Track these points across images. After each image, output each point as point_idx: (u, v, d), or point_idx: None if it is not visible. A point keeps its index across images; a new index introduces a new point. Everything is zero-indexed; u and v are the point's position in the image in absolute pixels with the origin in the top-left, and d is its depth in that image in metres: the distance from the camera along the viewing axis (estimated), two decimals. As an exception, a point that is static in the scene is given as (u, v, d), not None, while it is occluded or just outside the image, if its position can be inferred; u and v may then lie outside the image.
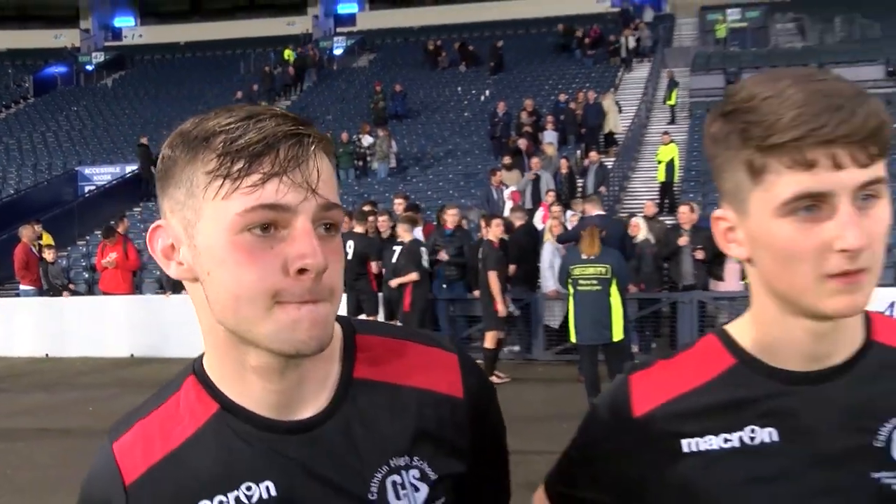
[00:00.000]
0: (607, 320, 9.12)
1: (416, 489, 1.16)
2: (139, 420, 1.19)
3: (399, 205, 14.29)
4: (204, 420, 1.15)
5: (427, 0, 43.16)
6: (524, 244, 12.72)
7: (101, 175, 26.08)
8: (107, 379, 12.41)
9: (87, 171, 26.63)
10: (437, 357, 1.25)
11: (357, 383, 1.18)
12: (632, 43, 29.73)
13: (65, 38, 43.76)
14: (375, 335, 1.24)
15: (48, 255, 15.67)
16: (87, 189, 25.38)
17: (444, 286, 12.96)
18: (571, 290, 9.36)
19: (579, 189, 18.39)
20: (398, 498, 1.15)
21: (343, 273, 1.11)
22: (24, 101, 36.22)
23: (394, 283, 11.50)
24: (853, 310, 1.10)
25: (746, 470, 1.18)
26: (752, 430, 1.19)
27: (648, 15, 35.19)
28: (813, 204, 1.07)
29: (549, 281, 12.09)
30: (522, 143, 20.27)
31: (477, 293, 11.56)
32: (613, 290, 9.18)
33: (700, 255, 11.72)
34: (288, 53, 34.85)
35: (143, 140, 24.26)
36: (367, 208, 13.42)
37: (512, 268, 12.19)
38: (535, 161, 18.28)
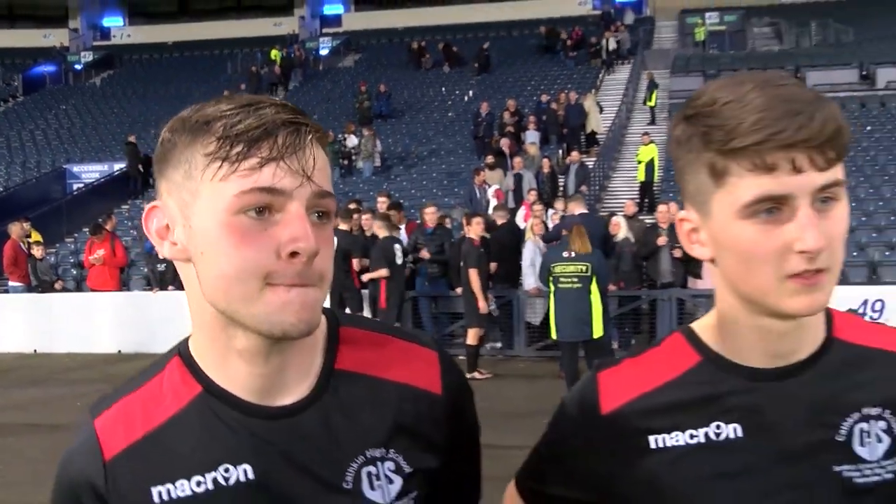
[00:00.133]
0: (587, 317, 9.28)
1: (391, 481, 1.18)
2: (122, 398, 1.20)
3: (382, 203, 14.43)
4: (186, 401, 1.16)
5: (412, 1, 43.38)
6: (506, 242, 12.87)
7: (89, 173, 26.16)
8: (95, 375, 12.30)
9: (76, 168, 26.71)
10: (418, 353, 1.26)
11: (339, 374, 1.19)
12: (612, 45, 30.00)
13: (54, 37, 43.72)
14: (359, 328, 1.26)
15: (37, 252, 15.71)
16: (75, 187, 25.46)
17: (427, 284, 13.15)
18: (552, 288, 9.52)
19: (561, 188, 18.62)
20: (372, 489, 1.16)
21: (332, 260, 1.13)
22: (13, 100, 36.25)
23: (364, 277, 11.70)
24: (813, 309, 1.12)
25: (712, 465, 1.20)
26: (718, 426, 1.21)
27: (629, 18, 35.42)
28: (773, 206, 1.09)
29: (530, 278, 12.22)
30: (505, 142, 20.50)
31: (459, 290, 11.70)
32: (594, 287, 9.36)
33: (678, 253, 11.84)
34: (274, 54, 34.97)
35: (131, 138, 24.31)
36: (352, 206, 13.56)
37: (493, 266, 12.35)
38: (517, 160, 18.52)
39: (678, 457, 1.21)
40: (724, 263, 1.17)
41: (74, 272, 18.44)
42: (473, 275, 11.08)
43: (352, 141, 23.44)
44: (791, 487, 1.17)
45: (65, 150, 29.02)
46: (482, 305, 11.17)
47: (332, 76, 34.83)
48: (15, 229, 15.80)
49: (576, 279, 9.37)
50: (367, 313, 12.16)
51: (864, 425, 1.19)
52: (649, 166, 19.30)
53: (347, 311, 11.92)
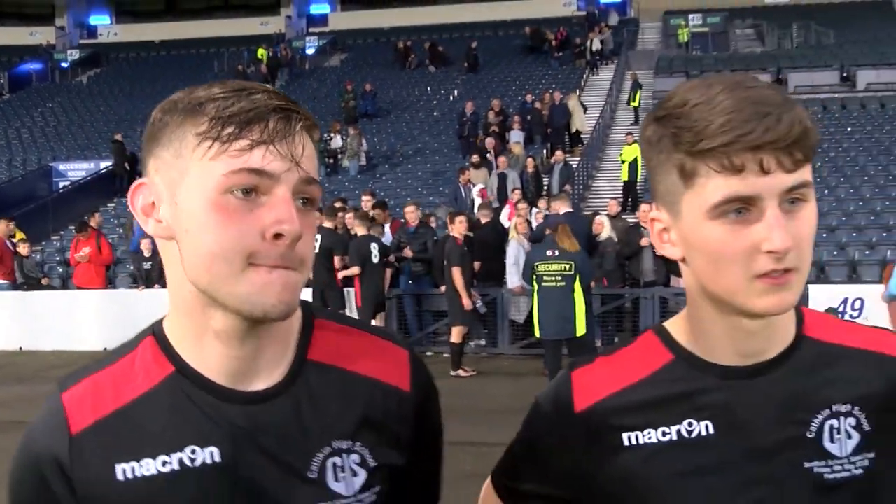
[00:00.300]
0: (571, 315, 9.33)
1: (355, 474, 1.18)
2: (92, 374, 1.19)
3: (367, 202, 14.43)
4: (158, 380, 1.16)
5: (398, 1, 43.40)
6: (490, 241, 12.94)
7: (75, 171, 26.04)
8: (81, 373, 12.32)
9: (62, 166, 26.58)
10: (390, 350, 1.27)
11: (310, 364, 1.20)
12: (597, 46, 30.10)
13: (40, 35, 43.44)
14: (333, 322, 1.27)
15: (23, 249, 15.65)
16: (61, 185, 25.36)
17: (410, 282, 13.21)
18: (536, 286, 9.57)
19: (545, 187, 18.70)
20: (337, 480, 1.17)
21: (313, 247, 1.14)
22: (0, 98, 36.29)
23: (340, 275, 11.75)
24: (781, 308, 1.14)
25: (684, 462, 1.21)
26: (690, 424, 1.22)
27: (613, 19, 35.46)
28: (742, 207, 1.10)
29: (514, 277, 12.24)
30: (490, 142, 20.56)
31: (443, 289, 11.73)
32: (577, 286, 9.40)
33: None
34: (261, 53, 34.98)
35: (118, 136, 24.22)
36: (337, 205, 13.56)
37: (476, 265, 12.41)
38: (501, 160, 18.60)
39: (651, 454, 1.22)
40: (693, 263, 1.18)
41: (60, 270, 18.40)
42: (456, 273, 11.15)
43: (336, 142, 23.47)
44: (762, 483, 1.19)
45: (51, 147, 28.87)
46: (466, 303, 11.21)
47: (318, 75, 34.81)
48: (0, 227, 15.72)
49: (559, 277, 9.40)
50: (349, 311, 12.23)
51: (833, 422, 1.21)
52: (633, 166, 19.31)
53: (329, 308, 12.04)
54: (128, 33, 44.47)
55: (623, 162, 19.85)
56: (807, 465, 1.20)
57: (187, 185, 1.09)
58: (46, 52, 41.50)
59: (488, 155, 19.73)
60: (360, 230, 11.76)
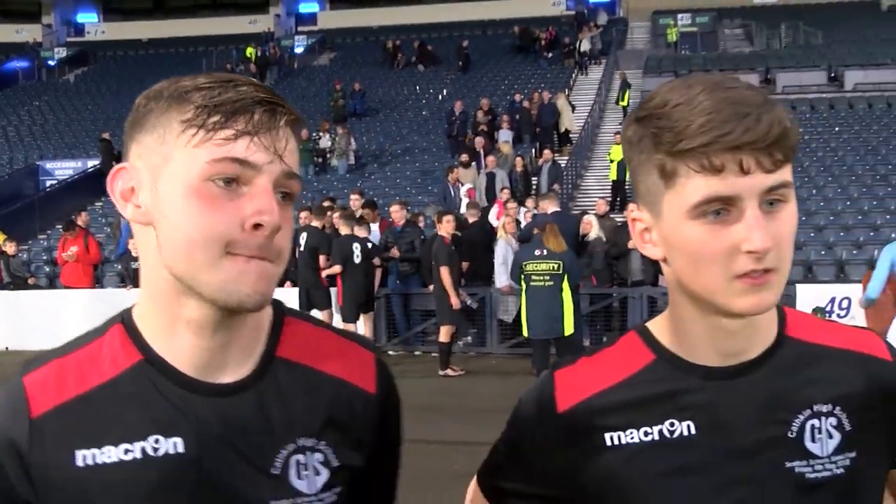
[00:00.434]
0: (559, 315, 9.41)
1: (318, 473, 1.19)
2: (56, 358, 1.18)
3: (355, 201, 14.39)
4: (124, 368, 1.16)
5: (386, 1, 43.40)
6: (478, 241, 12.96)
7: (62, 169, 25.95)
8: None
9: (49, 165, 26.50)
10: (357, 352, 1.28)
11: (279, 361, 1.21)
12: (586, 45, 30.18)
13: (26, 32, 43.26)
14: (302, 321, 1.28)
15: (9, 248, 15.62)
16: (48, 183, 25.27)
17: (398, 282, 13.24)
18: (524, 286, 9.64)
19: (533, 187, 18.77)
20: (299, 478, 1.17)
21: (290, 241, 1.15)
22: (-15, 95, 36.07)
23: (323, 273, 11.76)
24: (761, 308, 1.14)
25: (666, 462, 1.21)
26: (672, 424, 1.22)
27: (602, 18, 35.53)
28: (722, 207, 1.10)
29: (502, 276, 12.28)
30: (479, 141, 20.60)
31: (431, 288, 11.75)
32: (565, 285, 9.48)
33: (648, 251, 11.98)
34: (250, 51, 34.95)
35: (105, 135, 24.12)
36: (326, 204, 13.64)
37: (465, 265, 12.43)
38: (490, 159, 18.63)
39: (633, 454, 1.23)
40: (674, 263, 1.18)
41: (47, 269, 18.36)
42: (444, 272, 11.16)
43: (325, 141, 23.48)
44: (744, 483, 1.19)
45: (38, 146, 28.77)
46: (454, 301, 11.23)
47: (307, 74, 34.79)
48: (-15, 226, 15.63)
49: (547, 277, 9.46)
50: (334, 310, 12.21)
51: (815, 422, 1.22)
52: (621, 165, 19.28)
53: (314, 307, 12.01)
54: (115, 31, 44.33)
55: (612, 161, 19.92)
56: (788, 464, 1.21)
57: (169, 171, 1.10)
58: (33, 50, 41.35)
59: (478, 155, 19.73)
60: (343, 229, 11.77)
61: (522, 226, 13.58)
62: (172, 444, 1.13)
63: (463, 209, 14.87)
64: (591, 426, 1.26)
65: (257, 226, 1.07)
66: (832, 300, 12.39)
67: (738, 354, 1.23)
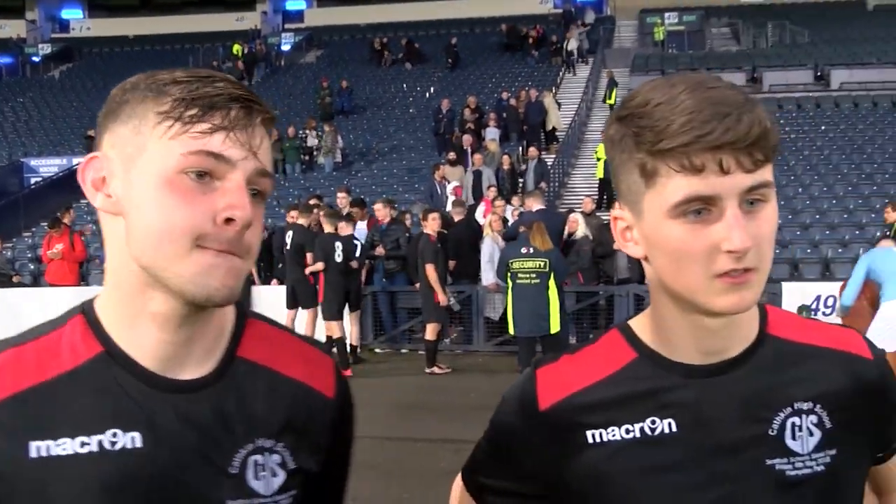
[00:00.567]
0: (545, 313, 9.37)
1: (275, 474, 1.19)
2: (13, 347, 1.16)
3: (342, 198, 14.46)
4: (84, 360, 1.14)
5: (374, -2, 43.40)
6: (464, 238, 12.95)
7: (47, 167, 25.79)
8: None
9: (33, 162, 26.37)
10: (316, 357, 1.29)
11: (240, 361, 1.21)
12: (573, 44, 30.25)
13: (10, 28, 43.06)
14: (264, 323, 1.28)
15: (-7, 246, 15.55)
16: (32, 181, 25.13)
17: (384, 280, 13.25)
18: (510, 284, 9.61)
19: (520, 184, 18.77)
20: (256, 478, 1.17)
21: (260, 238, 1.16)
22: (-32, 92, 35.83)
23: (307, 270, 11.75)
24: (741, 307, 1.14)
25: (647, 459, 1.22)
26: (653, 422, 1.23)
27: (590, 16, 35.64)
28: (702, 207, 1.11)
29: (489, 274, 12.29)
30: (466, 139, 20.64)
31: (418, 286, 11.75)
32: (551, 283, 9.44)
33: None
34: (237, 48, 34.87)
35: (91, 132, 23.71)
36: (312, 202, 13.63)
37: (451, 263, 12.44)
38: (477, 157, 18.66)
39: (615, 451, 1.24)
40: (655, 262, 1.19)
41: (32, 267, 18.25)
42: (430, 269, 11.16)
43: (311, 140, 23.46)
44: (724, 480, 1.20)
45: (22, 143, 28.63)
46: (442, 299, 11.23)
47: (293, 72, 34.72)
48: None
49: (534, 275, 9.46)
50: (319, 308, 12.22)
51: (795, 419, 1.23)
52: (608, 164, 19.33)
53: (301, 306, 11.97)
54: (101, 28, 44.17)
55: (598, 160, 19.93)
56: (769, 462, 1.21)
57: (143, 162, 1.10)
58: (17, 46, 41.14)
59: (465, 153, 19.74)
60: (327, 227, 11.76)
61: (509, 224, 13.57)
62: (130, 439, 1.12)
63: (449, 207, 14.86)
64: (573, 424, 1.26)
65: (229, 220, 1.08)
66: (818, 298, 12.46)
67: (720, 353, 1.24)
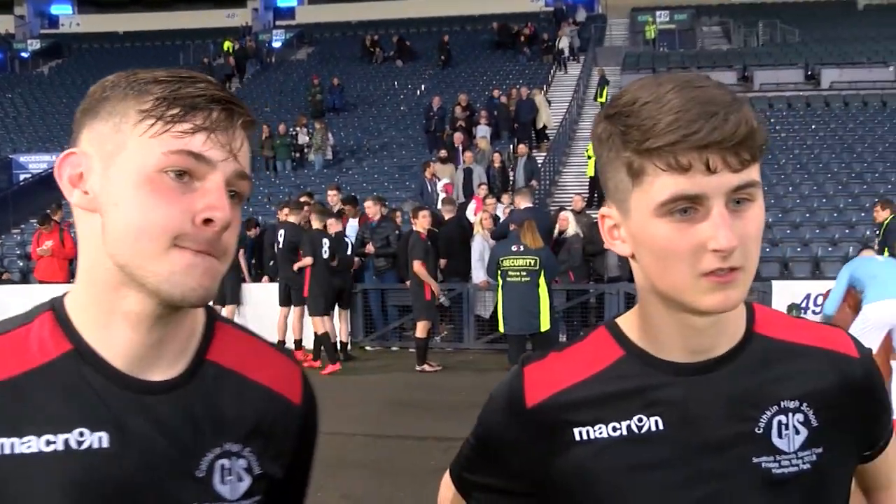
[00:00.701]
0: (535, 310, 9.36)
1: (240, 479, 1.19)
2: None
3: (333, 196, 14.46)
4: (53, 357, 1.13)
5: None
6: (455, 236, 12.93)
7: (36, 163, 25.72)
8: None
9: (22, 158, 26.30)
10: (284, 363, 1.30)
11: (209, 364, 1.21)
12: (564, 42, 30.27)
13: (-1, 24, 43.04)
14: (232, 327, 1.28)
15: (-18, 243, 15.60)
16: (21, 177, 25.08)
17: (374, 277, 13.22)
18: (500, 282, 9.59)
19: (511, 182, 18.78)
20: (223, 483, 1.17)
21: (237, 240, 1.16)
22: (-43, 88, 35.66)
23: (295, 266, 11.74)
24: (727, 306, 1.15)
25: (634, 457, 1.22)
26: (640, 419, 1.23)
27: (581, 15, 35.63)
28: (689, 206, 1.11)
29: (479, 272, 12.28)
30: (457, 137, 20.63)
31: (408, 283, 11.73)
32: (542, 281, 9.42)
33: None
34: (227, 45, 34.79)
35: (80, 129, 24.03)
36: (303, 199, 13.62)
37: (442, 262, 12.44)
38: (467, 155, 18.66)
39: (602, 449, 1.24)
40: (642, 260, 1.20)
41: (21, 264, 18.18)
42: (417, 265, 11.17)
43: (302, 137, 23.43)
44: (711, 478, 1.21)
45: (11, 139, 28.54)
46: (435, 289, 11.24)
47: (284, 69, 34.64)
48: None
49: (524, 273, 9.45)
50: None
51: (782, 417, 1.23)
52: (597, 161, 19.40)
53: (293, 303, 11.93)
54: (90, 24, 44.01)
55: (589, 158, 19.93)
56: (755, 460, 1.22)
57: (123, 159, 1.09)
58: (6, 42, 40.95)
59: (456, 150, 19.72)
60: (315, 224, 11.76)
61: (500, 222, 13.57)
62: (97, 439, 1.10)
63: (440, 205, 14.85)
64: (560, 421, 1.27)
65: (208, 221, 1.08)
66: (807, 297, 12.48)
67: (707, 351, 1.24)
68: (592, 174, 19.71)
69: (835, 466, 1.26)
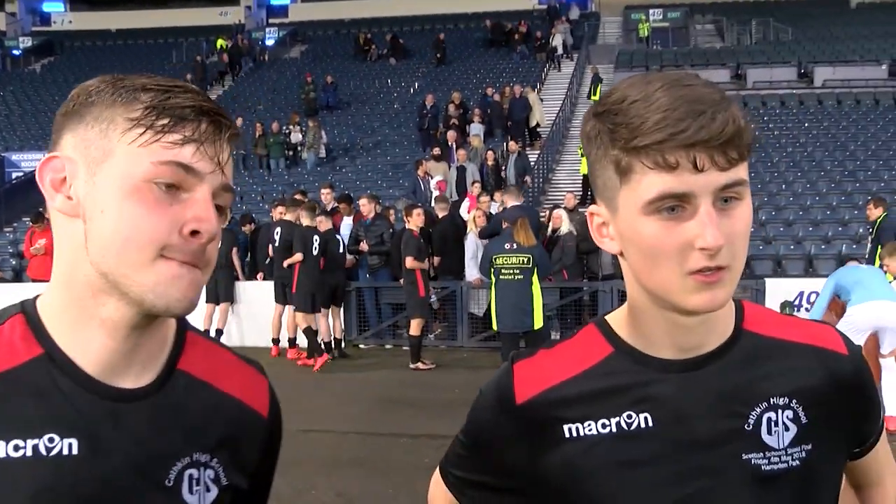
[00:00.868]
0: (529, 308, 9.29)
1: (208, 489, 1.19)
2: None
3: (326, 194, 14.48)
4: (23, 360, 1.11)
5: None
6: (449, 234, 12.94)
7: (28, 161, 25.61)
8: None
9: (15, 157, 26.25)
10: (252, 375, 1.31)
11: (179, 374, 1.20)
12: (558, 39, 30.29)
13: (-9, 21, 42.90)
14: (203, 338, 1.29)
15: (-25, 241, 15.55)
16: (14, 175, 25.03)
17: (368, 275, 13.23)
18: (494, 279, 9.55)
19: (504, 180, 18.84)
20: (191, 492, 1.17)
21: (217, 251, 1.17)
22: (-51, 85, 35.53)
23: (285, 263, 11.77)
24: (713, 306, 1.15)
25: (624, 453, 1.23)
26: (629, 416, 1.24)
27: (574, 13, 35.62)
28: (676, 204, 1.11)
29: (473, 270, 12.29)
30: (450, 135, 20.62)
31: (402, 281, 11.74)
32: (535, 279, 9.37)
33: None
34: (221, 43, 34.73)
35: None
36: (298, 197, 13.60)
37: (436, 260, 12.44)
38: (461, 153, 18.67)
39: (591, 445, 1.24)
40: (630, 258, 1.20)
41: (13, 262, 18.16)
42: (410, 261, 11.19)
43: (296, 137, 23.41)
44: (701, 475, 1.21)
45: (3, 137, 28.50)
46: (425, 265, 11.23)
47: (277, 67, 34.59)
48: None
49: (517, 271, 9.42)
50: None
51: (771, 414, 1.24)
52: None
53: (290, 302, 11.93)
54: (83, 21, 43.90)
55: (583, 156, 19.83)
56: (745, 456, 1.22)
57: (111, 166, 1.09)
58: (-3, 39, 40.84)
59: (449, 147, 19.72)
60: (305, 221, 11.78)
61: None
62: (67, 445, 1.09)
63: (433, 203, 14.85)
64: (550, 418, 1.27)
65: (195, 233, 1.08)
66: (800, 294, 12.50)
67: (696, 348, 1.25)
68: (586, 172, 19.52)
69: (824, 463, 1.26)
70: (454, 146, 19.77)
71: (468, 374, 10.83)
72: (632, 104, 1.13)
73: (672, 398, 1.23)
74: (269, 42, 38.69)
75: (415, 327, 11.36)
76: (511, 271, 9.45)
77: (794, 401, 1.25)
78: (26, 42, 40.80)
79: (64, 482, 1.08)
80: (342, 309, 12.69)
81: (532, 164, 19.84)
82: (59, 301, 1.14)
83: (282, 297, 12.24)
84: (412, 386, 10.26)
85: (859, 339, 7.48)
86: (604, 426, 1.24)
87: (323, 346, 11.73)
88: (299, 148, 23.46)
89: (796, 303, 12.41)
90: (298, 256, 11.51)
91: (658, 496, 1.22)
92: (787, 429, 1.24)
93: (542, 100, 24.18)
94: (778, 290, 12.46)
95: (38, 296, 1.17)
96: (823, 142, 21.92)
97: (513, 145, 19.57)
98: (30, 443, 1.08)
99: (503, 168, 19.03)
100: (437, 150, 18.99)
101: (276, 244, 12.16)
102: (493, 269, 9.60)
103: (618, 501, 1.23)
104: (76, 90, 1.15)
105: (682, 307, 1.16)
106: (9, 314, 1.16)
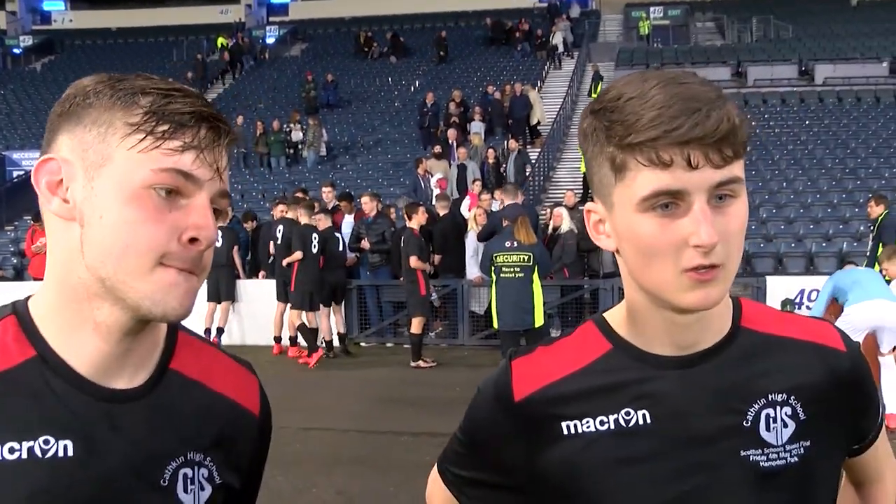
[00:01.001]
0: (529, 307, 9.31)
1: (202, 488, 1.19)
2: None
3: (327, 193, 14.49)
4: (16, 362, 1.11)
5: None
6: (450, 232, 12.96)
7: (29, 160, 25.48)
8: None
9: (16, 155, 26.23)
10: (243, 374, 1.32)
11: (172, 374, 1.21)
12: (558, 37, 30.28)
13: (-9, 20, 42.88)
14: (194, 338, 1.29)
15: (-24, 240, 15.55)
16: (15, 174, 25.02)
17: (369, 273, 13.25)
18: (494, 278, 9.56)
19: (504, 178, 18.84)
20: (186, 492, 1.17)
21: (211, 257, 1.16)
22: (-51, 84, 35.53)
23: (284, 261, 11.79)
24: (707, 304, 1.15)
25: (622, 450, 1.23)
26: (627, 413, 1.24)
27: (575, 11, 35.63)
28: (670, 201, 1.12)
29: (474, 268, 12.30)
30: (451, 133, 20.63)
31: (402, 280, 11.76)
32: (535, 277, 9.38)
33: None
34: (221, 41, 34.72)
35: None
36: (299, 195, 13.61)
37: (436, 258, 12.46)
38: (461, 151, 18.67)
39: (589, 442, 1.24)
40: (626, 255, 1.20)
41: (14, 261, 18.15)
42: (415, 260, 11.20)
43: (297, 135, 23.40)
44: (699, 471, 1.21)
45: (3, 136, 28.49)
46: (427, 266, 11.23)
47: (278, 65, 34.60)
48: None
49: (518, 269, 9.42)
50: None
51: (769, 411, 1.24)
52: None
53: (289, 302, 11.94)
54: (83, 20, 43.89)
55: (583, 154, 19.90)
56: (743, 453, 1.22)
57: (109, 172, 1.08)
58: (-2, 38, 40.84)
59: (450, 146, 19.72)
60: (304, 219, 11.80)
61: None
62: (63, 447, 1.09)
63: (434, 201, 14.85)
64: (548, 415, 1.27)
65: (193, 240, 1.08)
66: (801, 292, 12.50)
67: (693, 345, 1.25)
68: (586, 170, 19.69)
69: (823, 459, 1.27)
70: (455, 144, 19.77)
71: (469, 372, 10.83)
72: (627, 101, 1.13)
73: (670, 395, 1.23)
74: (270, 40, 38.70)
75: (416, 325, 11.36)
76: (512, 269, 9.45)
77: (792, 397, 1.25)
78: (27, 41, 40.81)
79: (60, 484, 1.08)
80: (343, 307, 12.69)
81: (531, 160, 19.81)
82: (53, 303, 1.13)
83: (283, 295, 12.25)
84: (413, 384, 10.26)
85: (857, 339, 7.48)
86: (602, 423, 1.24)
87: (324, 344, 11.74)
88: (300, 146, 23.45)
89: (797, 301, 12.41)
90: (298, 255, 11.53)
91: (656, 493, 1.22)
92: (785, 425, 1.24)
93: (542, 98, 24.20)
94: (779, 288, 12.46)
95: (29, 297, 1.16)
96: (824, 139, 21.91)
97: (513, 143, 19.57)
98: (25, 445, 1.07)
99: (504, 166, 19.03)
100: (437, 149, 19.00)
101: (279, 242, 12.17)
102: (493, 268, 9.60)
103: (616, 498, 1.23)
104: (72, 89, 1.14)
105: (676, 305, 1.16)
106: (0, 315, 1.15)
